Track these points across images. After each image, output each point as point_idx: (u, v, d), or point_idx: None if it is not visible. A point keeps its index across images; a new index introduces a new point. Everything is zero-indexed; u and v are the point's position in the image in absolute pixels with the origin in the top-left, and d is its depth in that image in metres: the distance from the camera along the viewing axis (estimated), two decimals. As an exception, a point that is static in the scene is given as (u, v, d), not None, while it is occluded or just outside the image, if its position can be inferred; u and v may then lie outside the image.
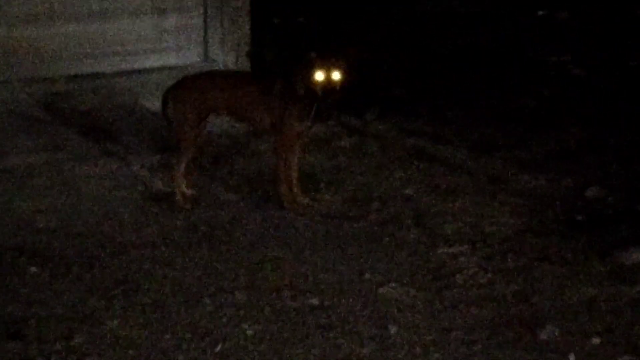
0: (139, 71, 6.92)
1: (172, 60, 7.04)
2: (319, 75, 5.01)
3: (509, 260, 4.83)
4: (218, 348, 4.05)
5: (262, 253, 4.91)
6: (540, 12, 9.65)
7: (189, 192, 5.46)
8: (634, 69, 7.95)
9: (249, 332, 4.16)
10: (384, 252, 4.96)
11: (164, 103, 5.32)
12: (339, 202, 5.53)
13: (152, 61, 7.00)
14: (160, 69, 6.96)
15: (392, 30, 8.93)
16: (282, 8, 8.98)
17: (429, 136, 6.52)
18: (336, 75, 5.01)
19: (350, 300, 4.46)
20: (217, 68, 6.93)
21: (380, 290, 4.56)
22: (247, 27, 7.11)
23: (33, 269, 4.66)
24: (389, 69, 7.95)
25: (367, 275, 4.70)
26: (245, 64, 7.11)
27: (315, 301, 4.43)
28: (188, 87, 5.30)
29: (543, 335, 4.12)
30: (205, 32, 7.08)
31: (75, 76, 6.76)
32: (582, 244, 4.93)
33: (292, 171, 5.38)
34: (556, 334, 4.13)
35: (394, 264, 4.83)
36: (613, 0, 9.61)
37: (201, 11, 7.07)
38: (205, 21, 7.07)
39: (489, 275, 4.69)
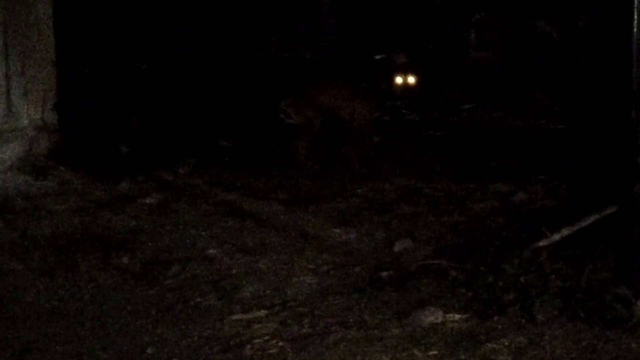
0: None
1: (-30, 115, 6.55)
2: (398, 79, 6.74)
3: (305, 325, 4.51)
4: None
5: (37, 330, 4.47)
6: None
7: None
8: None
9: None
10: (174, 321, 4.57)
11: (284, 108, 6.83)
12: (136, 266, 5.15)
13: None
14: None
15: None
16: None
17: (244, 189, 6.21)
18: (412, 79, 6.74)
19: (124, 382, 4.07)
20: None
21: (160, 369, 4.18)
22: (54, 78, 6.70)
23: None
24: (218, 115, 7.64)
25: (149, 351, 4.30)
26: (52, 117, 6.68)
27: (83, 386, 4.03)
28: (303, 97, 6.82)
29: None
30: (7, 84, 6.62)
31: None
32: (381, 304, 4.64)
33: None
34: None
35: (182, 335, 4.44)
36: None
37: (1, 62, 6.59)
38: (6, 73, 6.60)
39: (281, 344, 4.35)
